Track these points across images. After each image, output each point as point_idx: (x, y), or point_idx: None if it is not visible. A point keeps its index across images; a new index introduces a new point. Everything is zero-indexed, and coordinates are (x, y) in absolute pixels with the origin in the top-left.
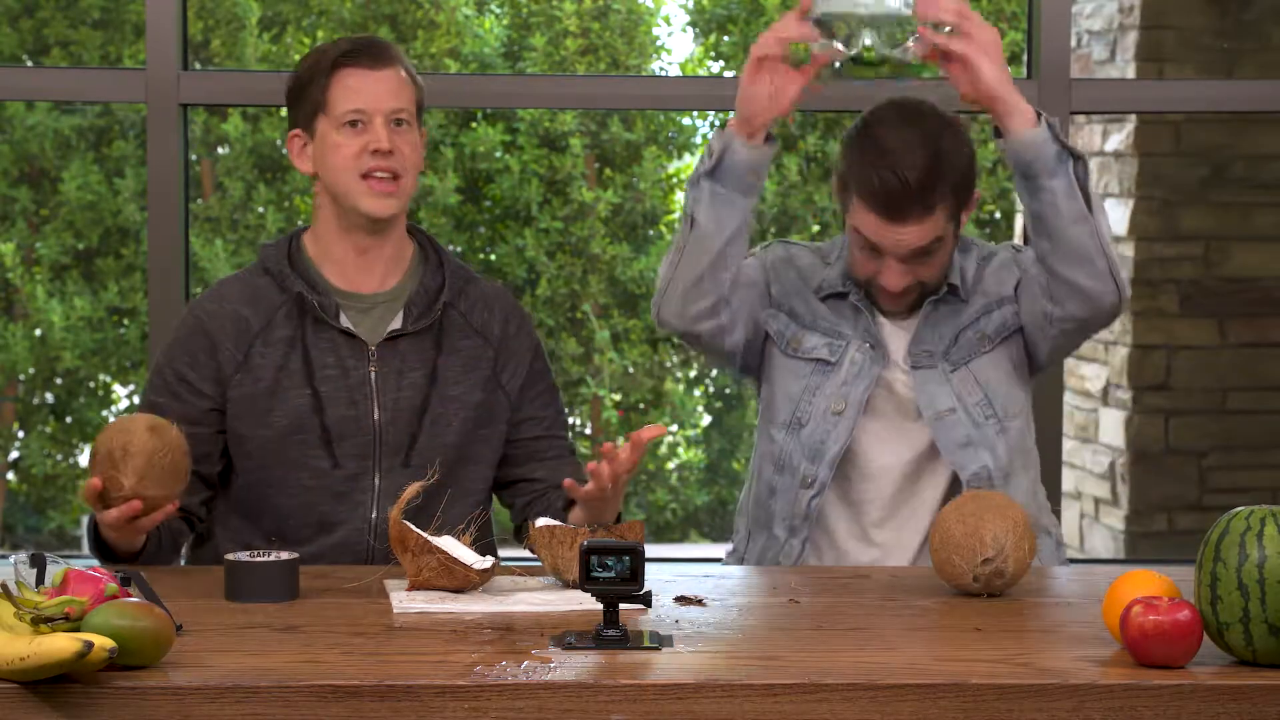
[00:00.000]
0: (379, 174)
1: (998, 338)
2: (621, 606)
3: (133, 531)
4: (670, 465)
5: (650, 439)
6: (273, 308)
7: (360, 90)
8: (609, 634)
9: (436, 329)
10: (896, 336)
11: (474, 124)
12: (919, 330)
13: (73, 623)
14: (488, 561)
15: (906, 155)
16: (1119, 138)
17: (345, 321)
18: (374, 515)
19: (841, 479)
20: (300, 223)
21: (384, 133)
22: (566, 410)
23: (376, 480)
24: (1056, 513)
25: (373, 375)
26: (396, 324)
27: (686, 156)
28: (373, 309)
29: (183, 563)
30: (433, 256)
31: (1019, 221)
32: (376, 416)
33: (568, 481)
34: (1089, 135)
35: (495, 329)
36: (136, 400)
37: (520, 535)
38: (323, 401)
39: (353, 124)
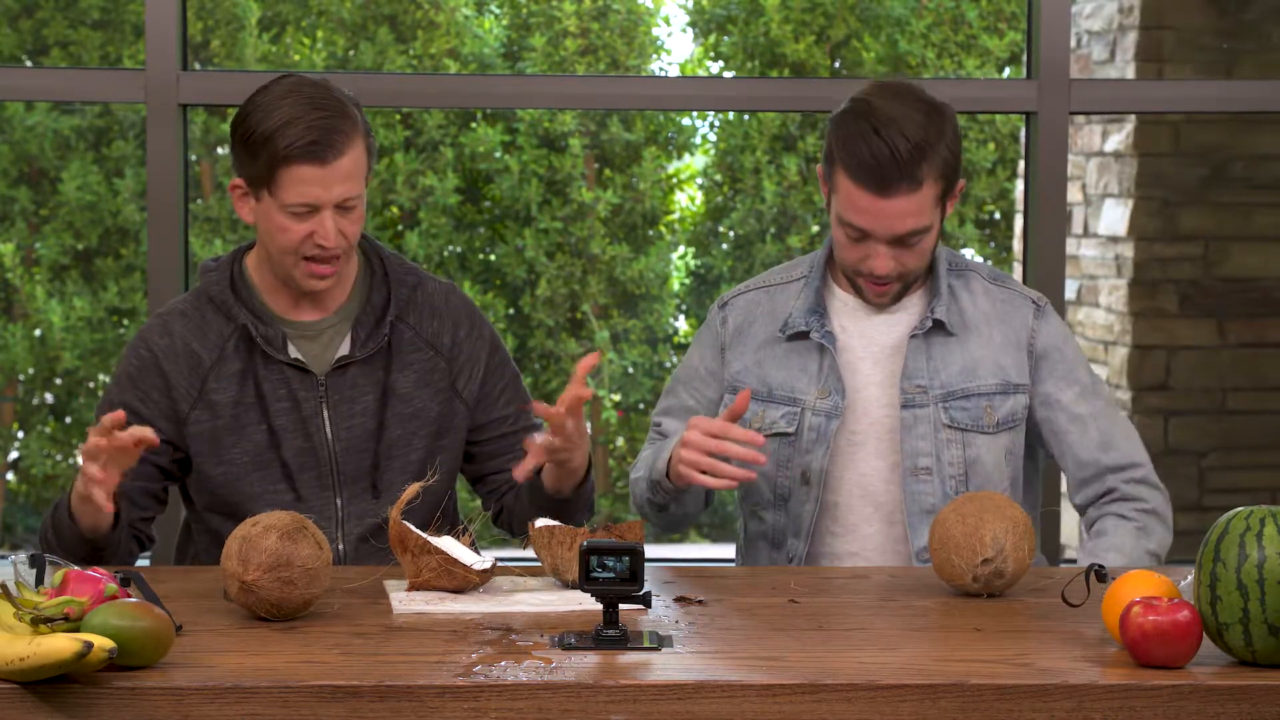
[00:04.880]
0: (320, 260)
1: (1005, 425)
2: (621, 607)
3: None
4: None
5: (590, 367)
6: (221, 339)
7: (312, 185)
8: (609, 634)
9: (385, 348)
10: (861, 372)
11: (474, 124)
12: (908, 364)
13: (72, 623)
14: (487, 562)
15: (898, 124)
16: (1119, 138)
17: (294, 352)
18: (341, 546)
19: (817, 542)
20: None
21: (330, 225)
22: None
23: (339, 506)
24: (1056, 512)
25: (323, 405)
26: (344, 349)
27: (686, 157)
28: (320, 335)
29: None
30: (378, 266)
31: (1019, 222)
32: (331, 446)
33: (526, 440)
34: (1089, 135)
35: (446, 339)
36: None
37: (497, 521)
38: (279, 437)
39: (299, 213)
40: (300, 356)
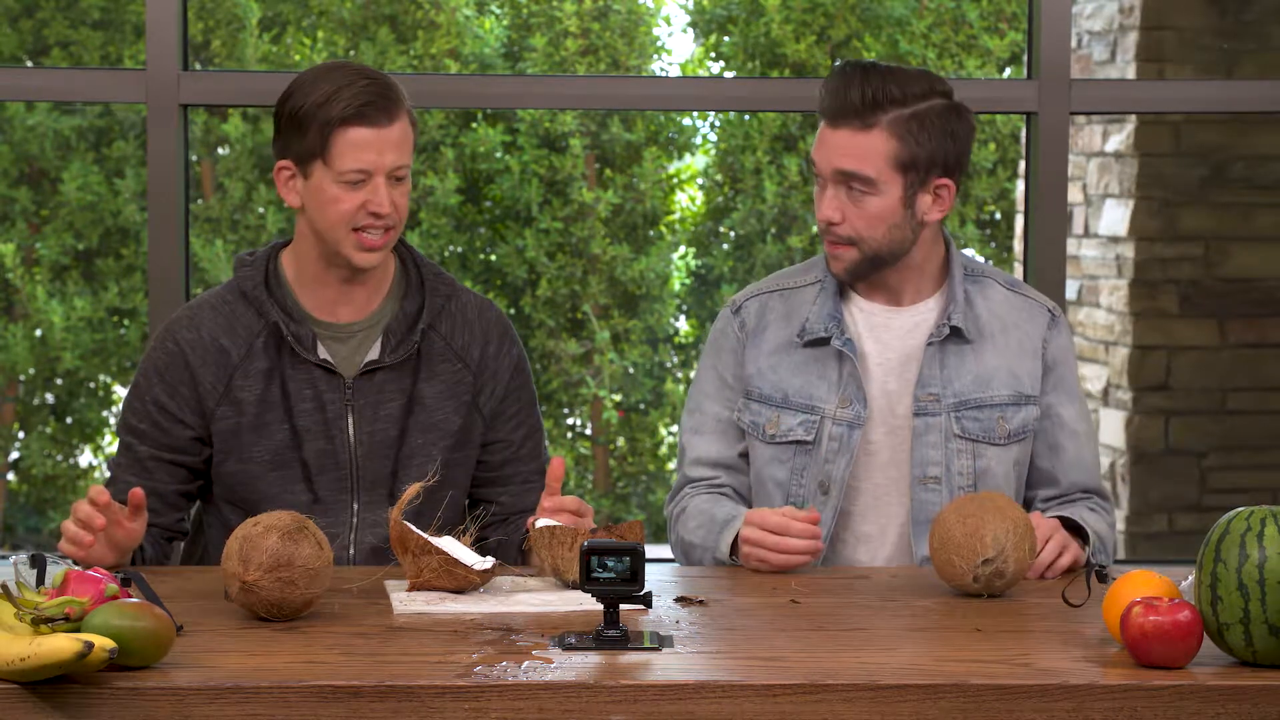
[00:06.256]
0: (373, 230)
1: (1016, 436)
2: (622, 607)
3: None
4: (670, 465)
5: (559, 475)
6: (251, 335)
7: (367, 149)
8: (609, 634)
9: (415, 356)
10: (877, 380)
11: (474, 124)
12: (922, 373)
13: (73, 623)
14: (488, 562)
15: (876, 69)
16: (1119, 138)
17: (323, 353)
18: (351, 550)
19: (829, 550)
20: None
21: (384, 193)
22: (566, 411)
23: (355, 509)
24: None
25: (348, 409)
26: (374, 354)
27: (687, 157)
28: (350, 338)
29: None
30: (414, 275)
31: (1019, 222)
32: (352, 450)
33: (529, 522)
34: (1089, 135)
35: (475, 351)
36: None
37: (475, 543)
38: (300, 437)
39: (353, 181)
40: (329, 358)
